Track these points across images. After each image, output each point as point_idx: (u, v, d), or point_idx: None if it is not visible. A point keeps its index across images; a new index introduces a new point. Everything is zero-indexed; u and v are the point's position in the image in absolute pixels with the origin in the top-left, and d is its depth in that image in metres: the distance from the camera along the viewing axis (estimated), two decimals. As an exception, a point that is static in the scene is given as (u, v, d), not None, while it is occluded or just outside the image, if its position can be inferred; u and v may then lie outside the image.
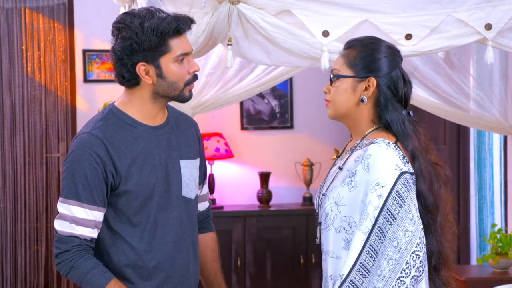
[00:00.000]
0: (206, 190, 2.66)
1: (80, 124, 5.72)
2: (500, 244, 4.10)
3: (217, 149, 5.56)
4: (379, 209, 2.10)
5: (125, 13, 2.39)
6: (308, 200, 5.72)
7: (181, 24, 2.34)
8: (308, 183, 5.74)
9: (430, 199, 2.19)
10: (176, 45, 2.34)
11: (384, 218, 2.10)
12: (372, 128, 2.25)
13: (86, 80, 5.74)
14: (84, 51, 5.72)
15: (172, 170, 2.42)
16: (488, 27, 2.98)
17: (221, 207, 5.62)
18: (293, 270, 5.56)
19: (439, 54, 3.67)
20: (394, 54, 2.27)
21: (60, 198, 2.34)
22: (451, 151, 5.52)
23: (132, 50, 2.32)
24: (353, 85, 2.25)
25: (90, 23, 5.69)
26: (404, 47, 2.98)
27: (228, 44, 2.99)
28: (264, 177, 5.70)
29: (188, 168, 2.47)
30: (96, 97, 5.74)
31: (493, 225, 4.37)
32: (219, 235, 5.95)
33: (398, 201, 2.11)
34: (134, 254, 2.37)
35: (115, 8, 3.66)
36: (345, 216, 2.18)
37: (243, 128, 5.88)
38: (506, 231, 4.41)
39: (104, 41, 5.71)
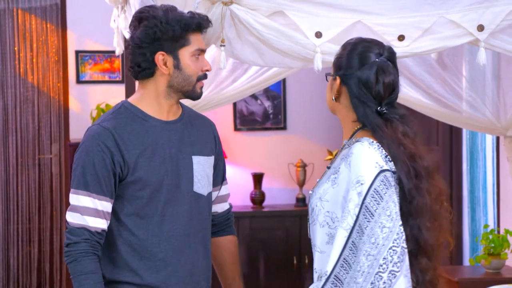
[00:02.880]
0: (226, 191, 2.68)
1: (73, 125, 5.71)
2: (493, 245, 4.11)
3: (210, 150, 5.55)
4: (359, 206, 2.16)
5: (146, 6, 2.45)
6: (301, 201, 5.72)
7: (202, 21, 2.44)
8: (301, 184, 5.74)
9: (407, 187, 2.22)
10: (195, 40, 2.44)
11: (363, 215, 2.15)
12: (357, 127, 2.30)
13: (78, 81, 5.73)
14: (77, 52, 5.71)
15: (183, 165, 2.45)
16: (481, 28, 2.99)
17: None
18: (286, 271, 5.56)
19: (431, 55, 3.67)
20: (366, 51, 2.30)
21: (71, 190, 2.38)
22: (444, 152, 5.53)
23: (154, 38, 2.38)
24: (331, 84, 2.35)
25: (82, 24, 5.68)
26: (397, 48, 2.97)
27: (221, 45, 2.99)
28: (257, 178, 5.70)
29: (201, 165, 2.50)
30: (89, 98, 5.74)
31: (486, 226, 4.38)
32: (212, 236, 5.84)
33: (376, 198, 2.16)
34: (140, 246, 2.39)
35: (108, 9, 3.66)
36: (328, 212, 2.24)
37: (236, 129, 5.88)
38: (498, 232, 4.42)
39: (97, 42, 5.71)
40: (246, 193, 5.79)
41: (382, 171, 2.18)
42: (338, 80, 2.31)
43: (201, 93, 2.50)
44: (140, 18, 2.40)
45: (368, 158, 2.19)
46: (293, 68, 3.49)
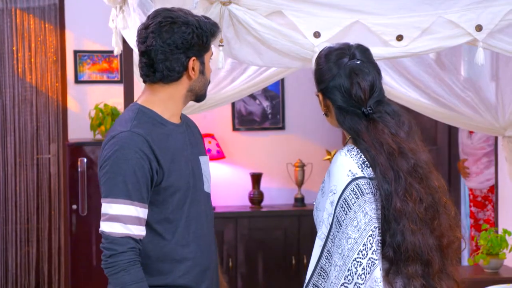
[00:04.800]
0: None
1: (72, 125, 5.70)
2: (491, 245, 4.11)
3: (209, 150, 5.55)
4: (332, 215, 2.16)
5: (165, 10, 2.43)
6: (300, 201, 5.72)
7: (218, 27, 2.48)
8: (300, 184, 5.74)
9: (385, 192, 2.18)
10: (211, 45, 2.48)
11: (335, 225, 2.16)
12: (349, 136, 2.29)
13: (77, 81, 5.73)
14: (75, 52, 5.71)
15: (196, 166, 2.49)
16: (479, 28, 2.99)
17: (213, 208, 5.62)
18: (285, 271, 5.56)
19: (430, 55, 3.68)
20: (340, 58, 2.27)
21: (108, 199, 2.32)
22: (442, 151, 5.54)
23: (191, 44, 2.39)
24: (319, 101, 2.36)
25: (81, 24, 5.68)
26: (396, 48, 2.99)
27: (219, 45, 2.99)
28: (256, 178, 5.70)
29: (206, 164, 2.55)
30: (87, 98, 5.73)
31: (484, 226, 4.38)
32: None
33: (344, 208, 2.15)
34: (170, 249, 2.40)
35: (106, 9, 3.66)
36: (321, 221, 2.24)
37: (234, 129, 5.88)
38: (497, 232, 4.42)
39: (96, 42, 5.70)
40: (245, 193, 5.79)
41: (354, 179, 2.16)
42: (320, 96, 2.32)
43: None
44: (173, 23, 2.38)
45: (341, 166, 2.19)
46: (291, 68, 3.50)
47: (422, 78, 3.92)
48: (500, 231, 4.29)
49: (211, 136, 5.66)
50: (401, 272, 2.18)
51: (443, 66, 3.92)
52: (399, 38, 2.99)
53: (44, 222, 5.78)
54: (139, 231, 2.33)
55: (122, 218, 2.31)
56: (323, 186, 2.26)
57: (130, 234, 2.31)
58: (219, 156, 5.63)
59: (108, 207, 2.32)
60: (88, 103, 5.68)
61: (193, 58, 2.41)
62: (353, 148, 2.23)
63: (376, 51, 3.02)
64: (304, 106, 5.86)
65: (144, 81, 2.47)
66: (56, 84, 5.75)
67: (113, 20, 3.53)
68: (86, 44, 5.72)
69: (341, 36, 2.90)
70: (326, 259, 2.17)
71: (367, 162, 2.20)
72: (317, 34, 2.96)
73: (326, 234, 2.17)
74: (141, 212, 2.33)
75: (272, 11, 2.98)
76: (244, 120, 5.88)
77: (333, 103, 2.28)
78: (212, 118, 5.76)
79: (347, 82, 2.25)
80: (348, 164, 2.19)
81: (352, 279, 2.11)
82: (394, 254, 2.17)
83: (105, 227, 2.32)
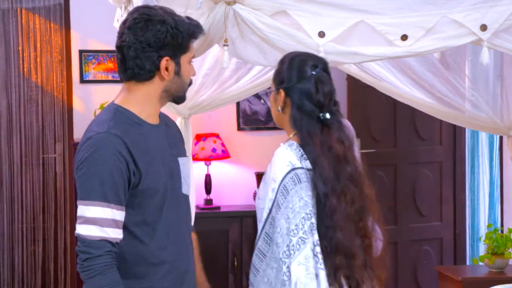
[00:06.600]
0: None
1: (77, 125, 5.71)
2: (496, 244, 4.11)
3: (214, 150, 5.56)
4: (272, 201, 2.46)
5: (145, 7, 2.41)
6: (305, 200, 5.72)
7: (200, 29, 2.45)
8: (305, 183, 5.74)
9: (322, 191, 2.45)
10: (192, 47, 2.45)
11: (274, 208, 2.45)
12: (293, 133, 2.55)
13: (82, 80, 5.74)
14: (81, 52, 5.72)
15: (174, 168, 2.46)
16: (483, 28, 2.99)
17: (218, 208, 5.63)
18: (290, 270, 5.57)
19: (434, 54, 3.68)
20: (303, 65, 2.53)
21: (85, 201, 2.28)
22: (446, 151, 5.53)
23: (164, 43, 2.36)
24: (274, 98, 2.61)
25: (86, 24, 5.69)
26: (400, 48, 2.99)
27: (224, 45, 3.00)
28: (261, 178, 5.69)
29: (185, 166, 2.51)
30: (92, 97, 5.75)
31: (489, 225, 4.38)
32: (216, 236, 5.92)
33: (283, 193, 2.44)
34: (148, 253, 2.37)
35: (111, 9, 3.67)
36: (261, 208, 2.53)
37: (239, 128, 5.88)
38: (501, 231, 4.42)
39: (101, 42, 5.72)
40: (250, 192, 5.79)
41: (293, 169, 2.45)
42: (282, 93, 2.54)
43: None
44: (148, 20, 2.35)
45: (281, 158, 2.48)
46: (296, 67, 3.50)
47: (427, 77, 3.92)
48: (505, 231, 4.29)
49: (216, 135, 5.66)
50: (329, 262, 2.43)
51: (448, 65, 3.93)
52: (404, 37, 3.00)
53: (50, 221, 5.80)
54: (116, 234, 2.29)
55: (98, 221, 2.26)
56: (264, 177, 2.53)
57: (107, 237, 2.27)
58: (224, 155, 5.64)
59: (85, 210, 2.27)
60: (94, 102, 5.69)
61: (166, 58, 2.37)
62: (293, 143, 2.50)
63: (381, 51, 3.03)
64: (309, 106, 5.86)
65: (121, 79, 2.46)
66: (61, 83, 5.77)
67: (118, 20, 3.54)
68: (91, 43, 5.74)
69: (345, 35, 2.91)
70: (263, 240, 2.48)
71: (305, 156, 2.47)
72: (321, 34, 2.97)
73: (265, 217, 2.46)
74: (118, 214, 2.29)
75: (277, 10, 2.99)
76: (249, 119, 5.88)
77: (293, 103, 2.52)
78: (217, 117, 5.76)
79: (313, 88, 2.50)
80: (288, 156, 2.47)
81: (290, 254, 2.38)
82: (326, 246, 2.43)
83: (81, 230, 2.27)
